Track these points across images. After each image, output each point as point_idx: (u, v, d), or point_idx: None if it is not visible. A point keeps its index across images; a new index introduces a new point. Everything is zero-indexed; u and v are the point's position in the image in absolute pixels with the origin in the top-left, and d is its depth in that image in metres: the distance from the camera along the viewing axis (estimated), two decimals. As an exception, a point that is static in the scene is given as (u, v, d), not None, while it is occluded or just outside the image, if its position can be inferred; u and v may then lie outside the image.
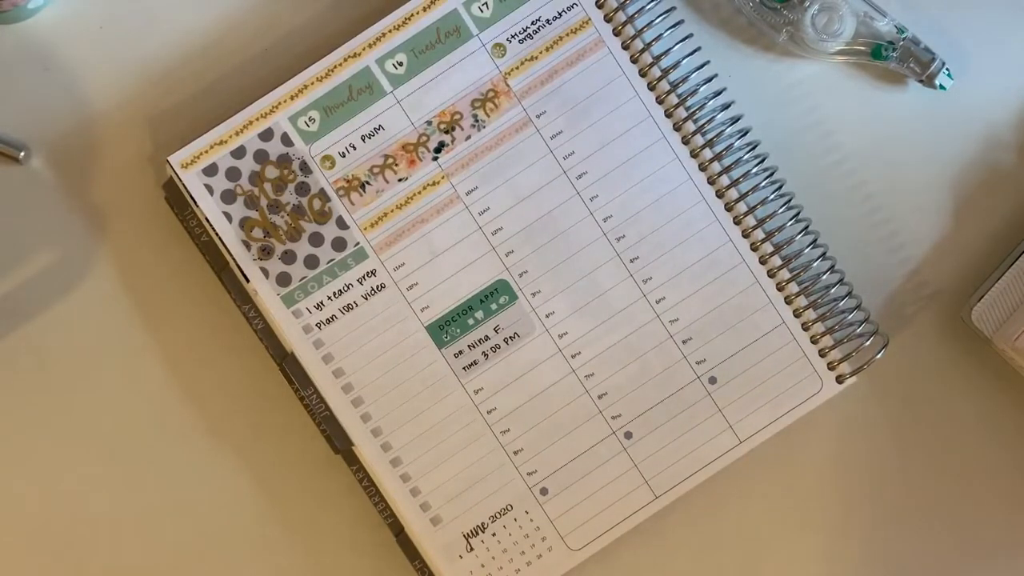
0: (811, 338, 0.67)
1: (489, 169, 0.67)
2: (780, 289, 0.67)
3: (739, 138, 0.67)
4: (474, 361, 0.67)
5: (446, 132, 0.66)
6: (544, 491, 0.67)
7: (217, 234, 0.66)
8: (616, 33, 0.67)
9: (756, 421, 0.67)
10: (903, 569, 0.70)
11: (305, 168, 0.66)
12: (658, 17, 0.66)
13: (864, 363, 0.68)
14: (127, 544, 0.68)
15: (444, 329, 0.67)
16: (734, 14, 0.69)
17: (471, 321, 0.67)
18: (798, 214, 0.67)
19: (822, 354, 0.68)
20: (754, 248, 0.67)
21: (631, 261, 0.67)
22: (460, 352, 0.67)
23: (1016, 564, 0.70)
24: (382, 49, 0.66)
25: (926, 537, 0.70)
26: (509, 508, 0.67)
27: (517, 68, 0.67)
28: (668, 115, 0.67)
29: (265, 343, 0.67)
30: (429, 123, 0.66)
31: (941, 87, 0.68)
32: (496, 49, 0.66)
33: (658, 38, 0.66)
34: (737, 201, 0.67)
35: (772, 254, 0.67)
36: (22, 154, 0.67)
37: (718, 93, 0.67)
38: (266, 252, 0.66)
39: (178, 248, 0.68)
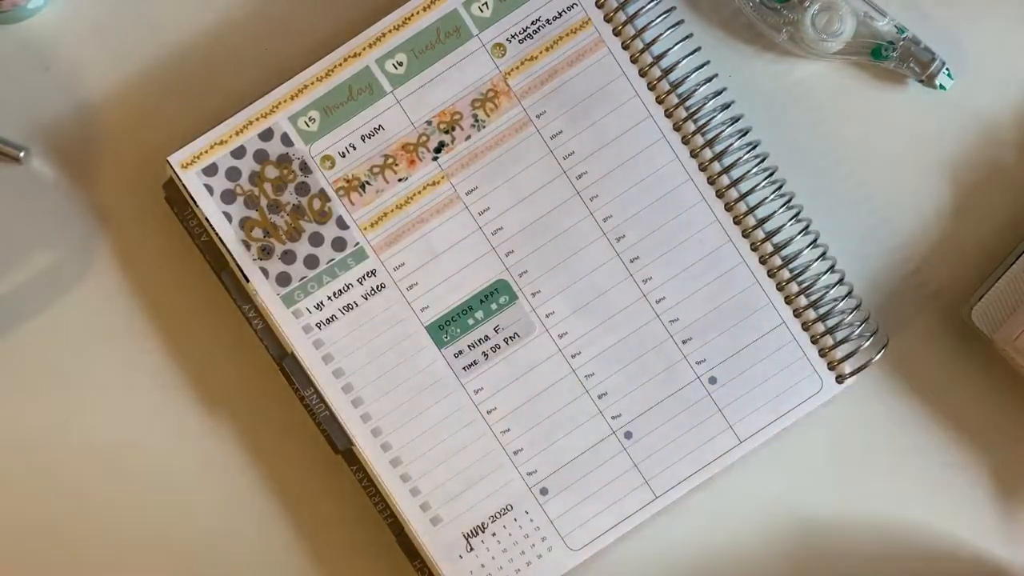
0: (811, 338, 0.67)
1: (489, 169, 0.67)
2: (780, 289, 0.67)
3: (739, 138, 0.67)
4: (474, 361, 0.67)
5: (446, 132, 0.66)
6: (544, 491, 0.67)
7: (217, 234, 0.66)
8: (616, 33, 0.67)
9: (756, 421, 0.67)
10: (903, 568, 0.70)
11: (305, 168, 0.66)
12: (658, 17, 0.66)
13: (864, 363, 0.68)
14: (126, 544, 0.68)
15: (444, 329, 0.67)
16: (734, 14, 0.69)
17: (471, 321, 0.67)
18: (798, 214, 0.67)
19: (822, 354, 0.67)
20: (754, 248, 0.67)
21: (631, 261, 0.67)
22: (460, 352, 0.67)
23: (1016, 562, 0.70)
24: (382, 49, 0.66)
25: (926, 536, 0.70)
26: (509, 508, 0.67)
27: (517, 68, 0.67)
28: (668, 115, 0.67)
29: (265, 343, 0.67)
30: (429, 123, 0.66)
31: (941, 87, 0.68)
32: (496, 49, 0.66)
33: (658, 38, 0.66)
34: (737, 201, 0.67)
35: (772, 254, 0.67)
36: (22, 154, 0.67)
37: (718, 93, 0.67)
38: (266, 252, 0.66)
39: (178, 248, 0.68)
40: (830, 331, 0.67)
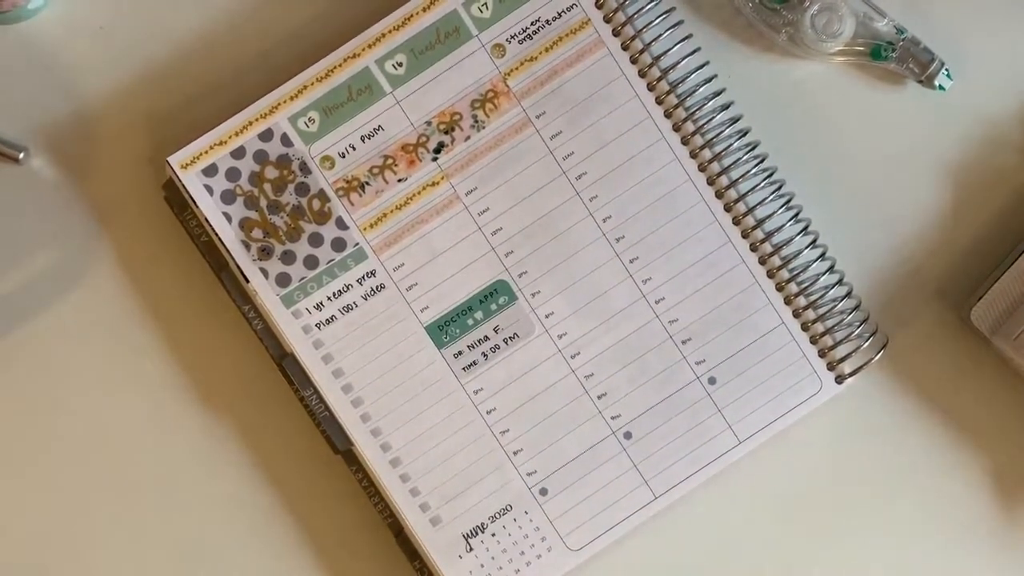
0: (810, 338, 0.67)
1: (489, 169, 0.67)
2: (779, 289, 0.67)
3: (739, 138, 0.67)
4: (474, 361, 0.67)
5: (446, 132, 0.66)
6: (544, 491, 0.67)
7: (217, 234, 0.66)
8: (616, 33, 0.67)
9: (756, 421, 0.67)
10: (902, 568, 0.70)
11: (305, 168, 0.66)
12: (658, 17, 0.66)
13: (863, 363, 0.68)
14: (126, 543, 0.68)
15: (444, 329, 0.67)
16: (734, 14, 0.69)
17: (471, 321, 0.67)
18: (798, 214, 0.67)
19: (821, 354, 0.68)
20: (753, 248, 0.67)
21: (631, 261, 0.67)
22: (460, 352, 0.67)
23: (1016, 562, 0.70)
24: (382, 49, 0.66)
25: (925, 536, 0.70)
26: (509, 508, 0.67)
27: (517, 68, 0.67)
28: (668, 115, 0.67)
29: (265, 343, 0.67)
30: (429, 123, 0.66)
31: (940, 87, 0.68)
32: (496, 49, 0.66)
33: (657, 38, 0.66)
34: (736, 201, 0.67)
35: (771, 254, 0.67)
36: (22, 154, 0.67)
37: (718, 93, 0.67)
38: (266, 252, 0.66)
39: (178, 248, 0.68)
40: (829, 331, 0.67)
